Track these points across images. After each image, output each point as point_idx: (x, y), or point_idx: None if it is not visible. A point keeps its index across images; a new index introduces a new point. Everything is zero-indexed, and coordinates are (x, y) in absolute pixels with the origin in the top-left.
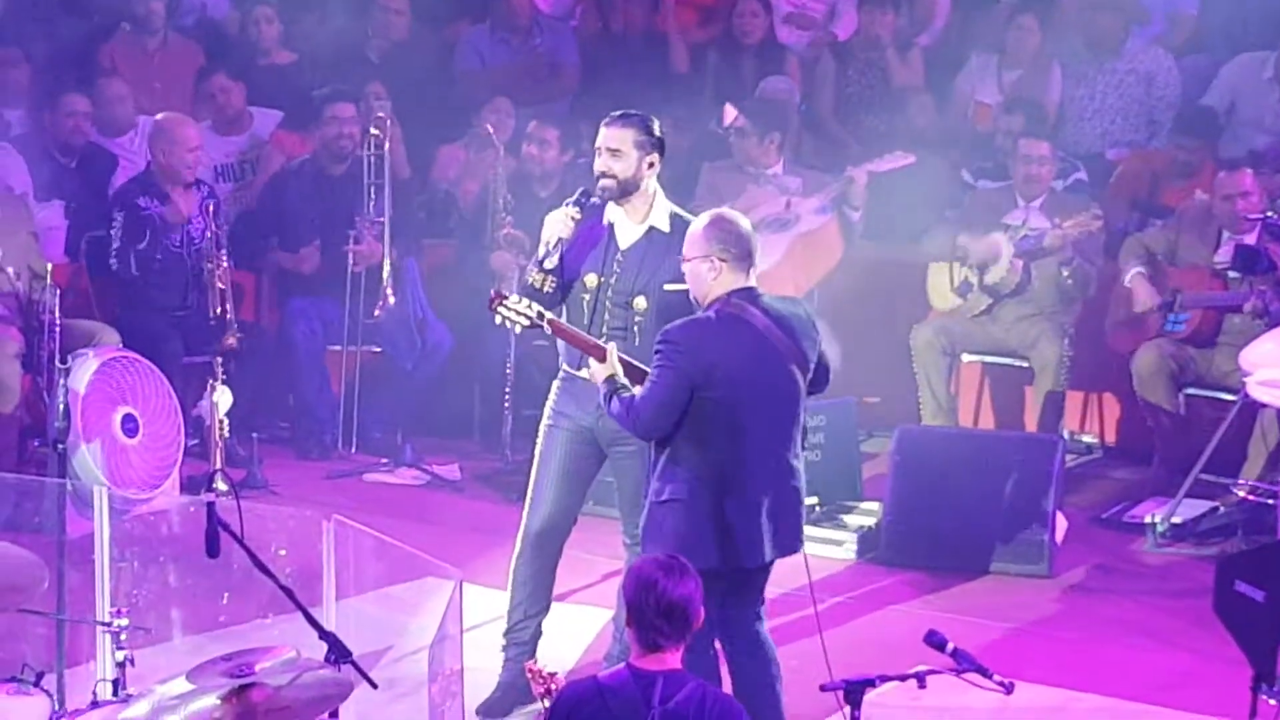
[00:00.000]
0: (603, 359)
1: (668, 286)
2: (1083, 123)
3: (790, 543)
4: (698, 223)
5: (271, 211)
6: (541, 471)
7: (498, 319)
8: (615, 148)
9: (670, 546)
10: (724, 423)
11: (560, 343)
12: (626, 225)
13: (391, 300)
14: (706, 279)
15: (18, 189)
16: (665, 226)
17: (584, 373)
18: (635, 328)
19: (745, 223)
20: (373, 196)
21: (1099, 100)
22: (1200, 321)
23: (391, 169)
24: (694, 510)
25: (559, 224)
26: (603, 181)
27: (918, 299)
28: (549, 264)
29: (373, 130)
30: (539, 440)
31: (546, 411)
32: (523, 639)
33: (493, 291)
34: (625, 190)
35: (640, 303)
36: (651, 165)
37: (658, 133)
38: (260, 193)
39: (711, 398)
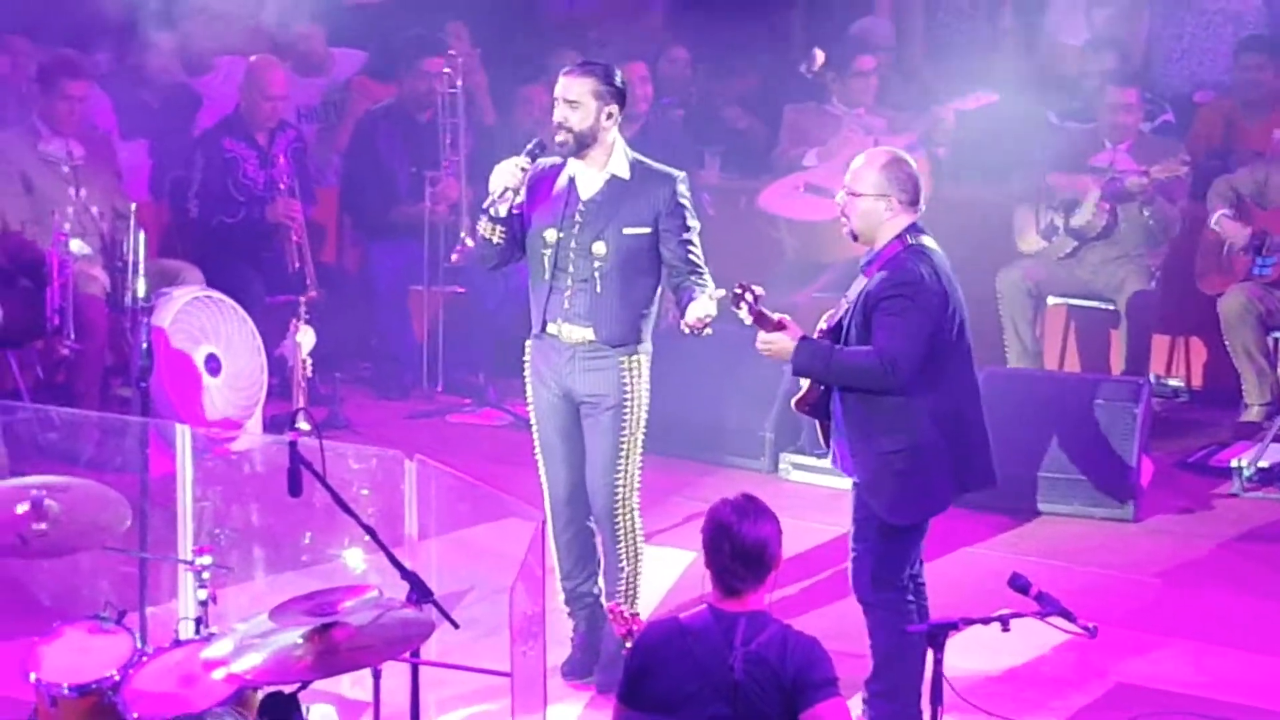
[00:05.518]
0: (780, 328)
1: (626, 230)
2: (1170, 64)
3: None
4: (871, 160)
5: (363, 159)
6: (544, 439)
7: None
8: (573, 99)
9: (918, 491)
10: (957, 354)
11: (535, 298)
12: (587, 175)
13: (469, 244)
14: (881, 217)
15: (102, 128)
16: (625, 174)
17: (551, 328)
18: (596, 274)
19: (914, 163)
20: (449, 134)
21: (1187, 41)
22: None
23: (478, 113)
24: (940, 450)
25: (506, 174)
26: (559, 135)
27: (1003, 240)
28: (494, 213)
29: (444, 69)
30: (529, 399)
31: (526, 369)
32: (585, 601)
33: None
34: (582, 144)
35: (599, 248)
36: (610, 116)
37: (619, 83)
38: (350, 140)
39: (948, 328)
